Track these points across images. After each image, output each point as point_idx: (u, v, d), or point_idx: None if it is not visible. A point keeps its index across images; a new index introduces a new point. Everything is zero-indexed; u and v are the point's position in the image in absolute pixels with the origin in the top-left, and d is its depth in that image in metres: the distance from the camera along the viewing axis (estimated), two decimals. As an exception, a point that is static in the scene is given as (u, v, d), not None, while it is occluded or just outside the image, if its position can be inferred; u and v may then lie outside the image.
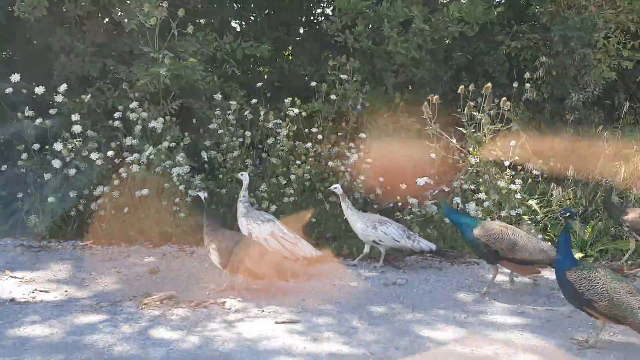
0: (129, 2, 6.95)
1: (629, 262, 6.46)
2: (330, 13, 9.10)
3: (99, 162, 6.48)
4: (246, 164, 7.05)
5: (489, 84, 7.08)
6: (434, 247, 6.07)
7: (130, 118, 6.68)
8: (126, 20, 6.95)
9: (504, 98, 7.08)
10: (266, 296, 5.15)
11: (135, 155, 6.56)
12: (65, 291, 5.10)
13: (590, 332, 4.56)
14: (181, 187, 6.57)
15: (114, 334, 4.29)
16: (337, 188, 6.23)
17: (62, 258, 5.98)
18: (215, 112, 7.14)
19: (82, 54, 7.24)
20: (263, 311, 4.83)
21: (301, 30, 10.04)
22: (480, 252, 5.48)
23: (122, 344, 4.14)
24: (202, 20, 7.91)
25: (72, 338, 4.19)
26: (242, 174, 6.04)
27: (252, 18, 9.43)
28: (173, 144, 6.74)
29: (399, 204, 6.98)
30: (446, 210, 5.78)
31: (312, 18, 10.07)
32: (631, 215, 6.35)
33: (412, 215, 6.80)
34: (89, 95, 6.79)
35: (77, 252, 6.23)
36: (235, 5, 9.33)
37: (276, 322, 4.60)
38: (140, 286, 5.27)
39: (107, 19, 7.94)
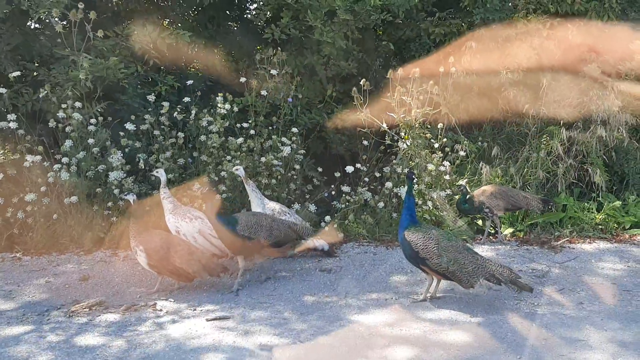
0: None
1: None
2: (254, 9, 9.07)
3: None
4: (178, 163, 6.96)
5: (417, 69, 7.19)
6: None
7: (60, 121, 6.55)
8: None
9: (431, 82, 7.21)
10: (199, 294, 5.13)
11: (65, 159, 6.40)
12: (-10, 305, 4.96)
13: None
14: (116, 191, 6.44)
15: (39, 343, 4.21)
16: (238, 170, 6.07)
17: (-12, 272, 5.78)
18: (146, 116, 7.01)
19: None
20: (195, 310, 4.81)
21: (233, 26, 9.94)
22: (244, 246, 5.27)
23: (46, 353, 4.07)
24: (128, 21, 7.73)
25: (-7, 352, 4.10)
26: (157, 171, 5.86)
27: (179, 15, 9.26)
28: (100, 147, 6.59)
29: (333, 192, 7.03)
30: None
31: (243, 14, 9.98)
32: (477, 199, 6.45)
33: (347, 203, 6.85)
34: (6, 91, 6.54)
35: (6, 264, 6.02)
36: (163, 3, 9.17)
37: (207, 320, 4.59)
38: (69, 294, 5.16)
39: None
